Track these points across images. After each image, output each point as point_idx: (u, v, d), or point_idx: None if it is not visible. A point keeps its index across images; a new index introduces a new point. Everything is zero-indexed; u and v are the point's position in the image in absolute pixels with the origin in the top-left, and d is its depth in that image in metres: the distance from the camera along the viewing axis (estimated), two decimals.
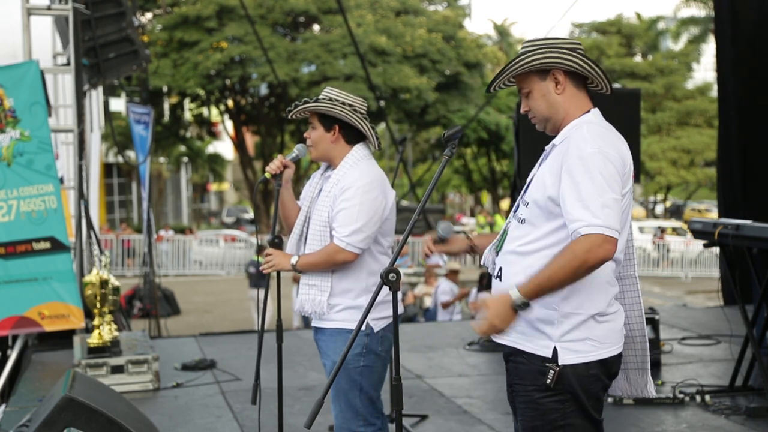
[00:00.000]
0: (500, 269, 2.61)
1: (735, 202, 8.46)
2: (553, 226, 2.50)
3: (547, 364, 2.47)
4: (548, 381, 2.46)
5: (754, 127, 8.25)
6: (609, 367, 2.55)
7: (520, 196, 2.65)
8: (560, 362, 2.46)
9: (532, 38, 2.61)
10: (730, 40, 8.44)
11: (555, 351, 2.47)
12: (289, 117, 3.51)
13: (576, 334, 2.49)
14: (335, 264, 3.31)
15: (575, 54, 2.54)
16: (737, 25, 8.41)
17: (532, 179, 2.61)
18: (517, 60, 2.54)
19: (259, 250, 3.77)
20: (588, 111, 2.60)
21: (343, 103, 3.38)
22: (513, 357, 2.59)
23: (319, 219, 3.37)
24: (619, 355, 2.59)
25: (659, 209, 41.60)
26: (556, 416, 2.48)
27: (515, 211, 2.64)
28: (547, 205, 2.49)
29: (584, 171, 2.40)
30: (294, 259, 3.38)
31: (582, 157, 2.42)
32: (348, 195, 3.29)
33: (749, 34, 8.30)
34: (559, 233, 2.49)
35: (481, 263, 2.77)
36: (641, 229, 29.58)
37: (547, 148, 2.61)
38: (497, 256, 2.65)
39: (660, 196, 39.79)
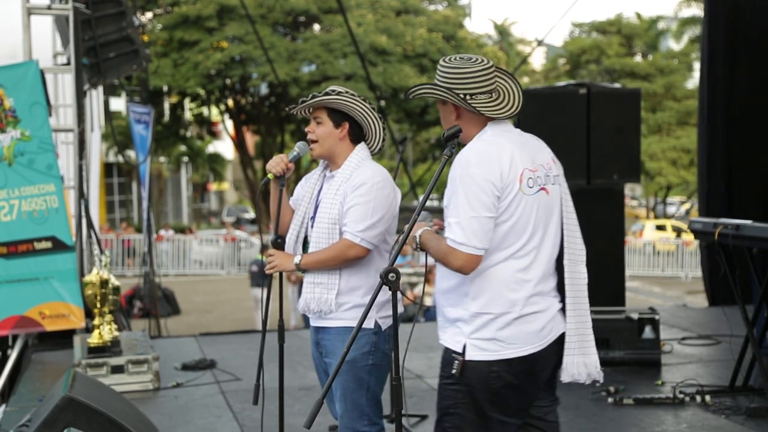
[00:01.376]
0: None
1: (719, 203, 8.46)
2: None
3: (454, 355, 2.73)
4: (453, 371, 2.71)
5: (748, 127, 8.24)
6: (515, 367, 2.72)
7: None
8: (467, 357, 2.70)
9: (445, 64, 2.85)
10: (724, 40, 8.40)
11: (465, 346, 2.72)
12: (297, 112, 3.44)
13: (484, 332, 2.71)
14: (346, 260, 3.27)
15: (452, 92, 2.77)
16: (731, 24, 8.37)
17: None
18: (417, 87, 2.90)
19: (263, 249, 3.76)
20: (485, 126, 2.84)
21: (365, 99, 3.36)
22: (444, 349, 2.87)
23: (329, 217, 3.32)
24: (536, 356, 2.75)
25: (674, 210, 41.39)
26: (449, 403, 2.75)
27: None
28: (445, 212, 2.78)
29: (453, 191, 2.70)
30: (297, 259, 3.35)
31: (453, 177, 2.72)
32: (362, 191, 3.25)
33: (744, 33, 8.27)
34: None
35: None
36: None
37: None
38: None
39: (660, 197, 39.73)
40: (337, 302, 3.30)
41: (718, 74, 8.49)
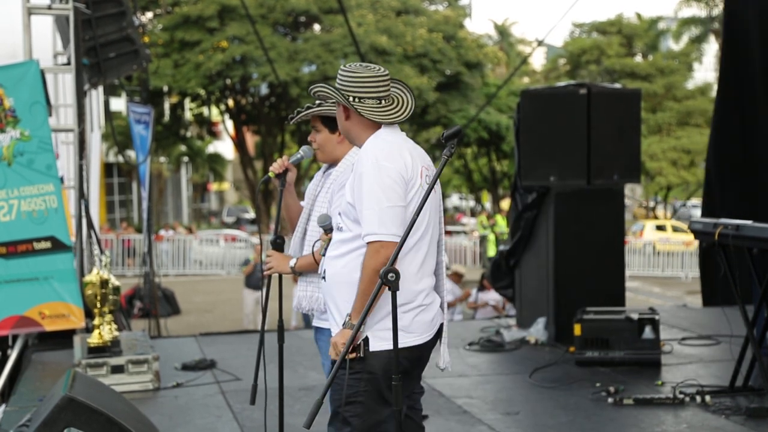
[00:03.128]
0: (325, 271, 3.04)
1: (727, 206, 8.32)
2: (360, 230, 2.89)
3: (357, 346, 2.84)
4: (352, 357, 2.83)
5: (763, 130, 8.06)
6: (413, 354, 2.92)
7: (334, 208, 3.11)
8: (370, 348, 2.84)
9: (344, 70, 3.03)
10: (741, 40, 8.17)
11: (367, 338, 2.85)
12: (291, 123, 3.50)
13: (385, 323, 2.82)
14: None
15: (338, 92, 2.98)
16: (746, 25, 8.14)
17: (340, 194, 3.07)
18: (316, 84, 3.10)
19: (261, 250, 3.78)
20: (377, 130, 3.01)
21: None
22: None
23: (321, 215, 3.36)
24: (427, 344, 2.97)
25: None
26: (350, 392, 2.86)
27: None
28: (350, 211, 2.91)
29: (363, 184, 2.84)
30: (292, 262, 3.39)
31: (362, 172, 2.86)
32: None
33: (762, 35, 8.04)
34: (349, 239, 2.96)
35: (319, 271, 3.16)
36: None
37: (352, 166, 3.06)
38: (324, 260, 3.07)
39: (660, 197, 39.71)
40: None
41: (740, 74, 8.26)
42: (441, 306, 3.05)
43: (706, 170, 9.16)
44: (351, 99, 2.97)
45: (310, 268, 3.35)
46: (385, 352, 2.82)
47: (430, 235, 2.97)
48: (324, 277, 3.04)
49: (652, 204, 41.18)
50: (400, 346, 2.80)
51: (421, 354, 2.97)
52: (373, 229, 2.81)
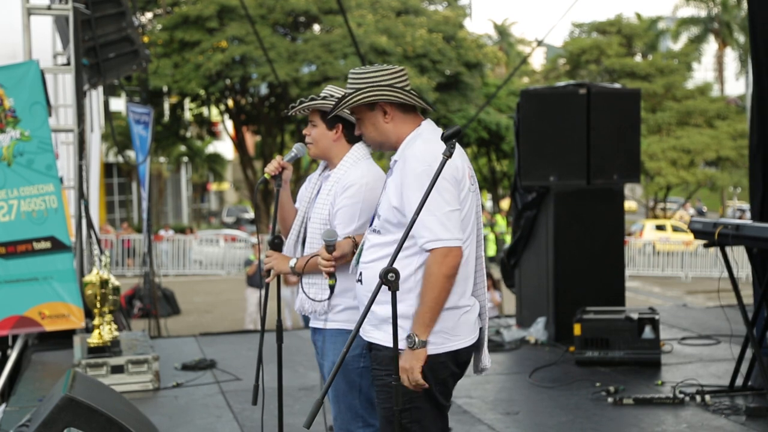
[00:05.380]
0: (361, 274, 2.94)
1: None
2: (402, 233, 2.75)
3: (401, 351, 2.71)
4: None
5: None
6: (458, 357, 2.86)
7: (375, 210, 2.98)
8: None
9: (360, 70, 2.90)
10: None
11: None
12: (291, 114, 3.48)
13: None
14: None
15: (394, 88, 2.85)
16: None
17: (383, 194, 2.94)
18: (349, 97, 2.87)
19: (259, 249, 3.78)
20: (419, 125, 2.92)
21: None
22: (375, 347, 2.91)
23: (320, 218, 3.35)
24: (471, 347, 2.89)
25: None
26: (405, 399, 2.72)
27: (371, 224, 2.97)
28: (395, 215, 2.82)
29: (419, 188, 2.69)
30: (292, 262, 3.38)
31: (417, 175, 2.74)
32: (350, 193, 3.27)
33: None
34: (409, 239, 2.76)
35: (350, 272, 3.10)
36: None
37: (391, 163, 2.95)
38: (357, 264, 2.98)
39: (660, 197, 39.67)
40: (331, 303, 3.31)
41: None
42: (481, 308, 2.97)
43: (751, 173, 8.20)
44: (397, 91, 2.83)
45: (310, 269, 3.34)
46: (432, 356, 2.76)
47: (476, 235, 2.90)
48: (360, 281, 2.94)
49: (661, 205, 41.09)
50: (445, 350, 2.79)
51: (467, 357, 2.91)
52: (437, 235, 2.71)
